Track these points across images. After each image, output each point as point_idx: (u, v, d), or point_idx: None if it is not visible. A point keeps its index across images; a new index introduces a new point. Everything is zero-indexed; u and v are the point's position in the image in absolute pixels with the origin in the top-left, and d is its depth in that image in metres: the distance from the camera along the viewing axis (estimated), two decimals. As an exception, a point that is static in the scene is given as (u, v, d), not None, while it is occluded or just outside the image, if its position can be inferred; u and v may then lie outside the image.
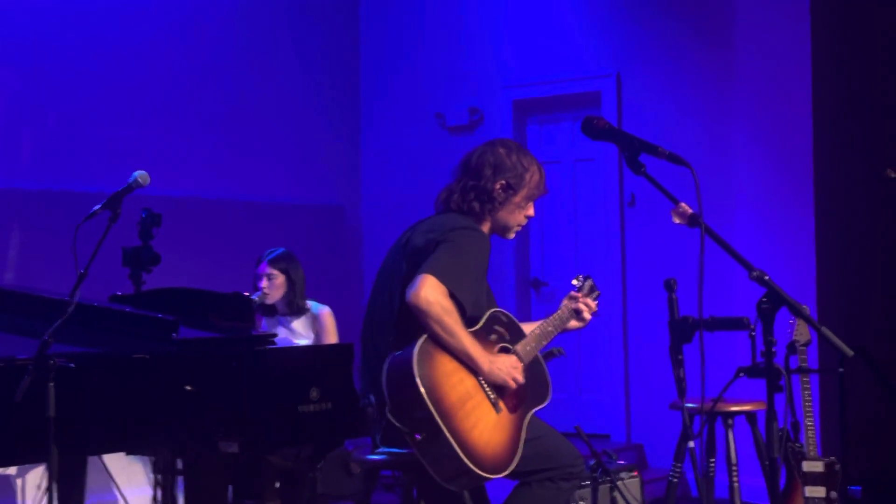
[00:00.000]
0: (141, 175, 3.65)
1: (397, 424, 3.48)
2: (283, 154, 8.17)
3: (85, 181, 6.67)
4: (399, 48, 8.66)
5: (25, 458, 3.72)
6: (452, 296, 3.59)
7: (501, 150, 3.96)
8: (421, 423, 3.44)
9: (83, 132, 6.92)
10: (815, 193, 6.79)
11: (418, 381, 3.44)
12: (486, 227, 3.94)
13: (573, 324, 4.09)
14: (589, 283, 4.17)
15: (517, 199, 3.94)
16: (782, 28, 6.93)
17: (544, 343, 3.95)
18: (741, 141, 7.11)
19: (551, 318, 4.03)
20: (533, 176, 3.96)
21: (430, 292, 3.53)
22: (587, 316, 4.09)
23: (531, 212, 4.02)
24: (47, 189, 6.67)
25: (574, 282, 4.16)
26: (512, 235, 4.05)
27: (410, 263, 3.72)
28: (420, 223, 3.94)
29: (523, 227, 4.08)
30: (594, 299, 4.15)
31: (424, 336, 3.55)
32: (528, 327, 4.00)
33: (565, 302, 4.10)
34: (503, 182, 3.90)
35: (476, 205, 3.89)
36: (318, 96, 8.46)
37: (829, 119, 6.87)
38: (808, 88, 6.79)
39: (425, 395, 3.43)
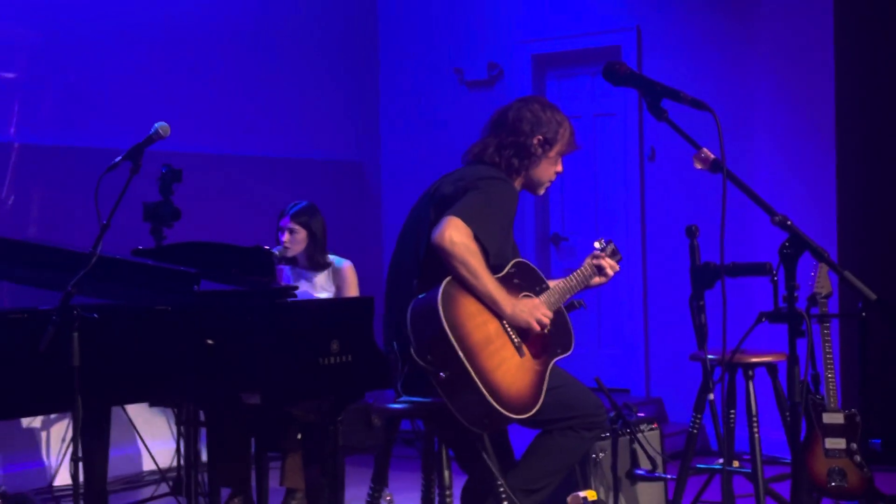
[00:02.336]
0: (162, 126, 3.65)
1: (422, 364, 3.50)
2: (303, 110, 8.16)
3: (106, 137, 6.68)
4: (417, 3, 8.61)
5: (51, 408, 3.76)
6: (477, 239, 3.61)
7: (537, 106, 4.01)
8: (445, 361, 3.47)
9: (104, 88, 6.93)
10: (837, 144, 6.76)
11: (443, 319, 3.47)
12: (518, 183, 3.96)
13: (596, 280, 4.14)
14: (611, 246, 4.24)
15: (552, 153, 4.00)
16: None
17: (567, 297, 3.99)
18: (763, 92, 7.07)
19: (574, 273, 4.08)
20: (566, 131, 4.02)
21: (455, 233, 3.56)
22: (610, 272, 4.15)
23: (560, 168, 4.08)
24: (69, 145, 6.68)
25: (596, 244, 4.22)
26: (542, 191, 4.12)
27: (438, 210, 3.74)
28: (449, 174, 3.95)
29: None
30: (616, 262, 4.19)
31: (449, 278, 3.57)
32: (551, 283, 4.02)
33: (588, 260, 4.14)
34: (540, 137, 3.95)
35: (515, 161, 3.93)
36: (336, 52, 8.44)
37: (851, 66, 6.82)
38: (830, 39, 6.74)
39: (450, 333, 3.46)
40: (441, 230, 3.57)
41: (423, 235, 3.78)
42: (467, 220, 3.60)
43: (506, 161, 3.92)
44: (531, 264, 3.94)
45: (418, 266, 3.77)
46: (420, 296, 3.61)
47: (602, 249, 4.18)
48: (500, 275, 3.73)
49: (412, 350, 3.52)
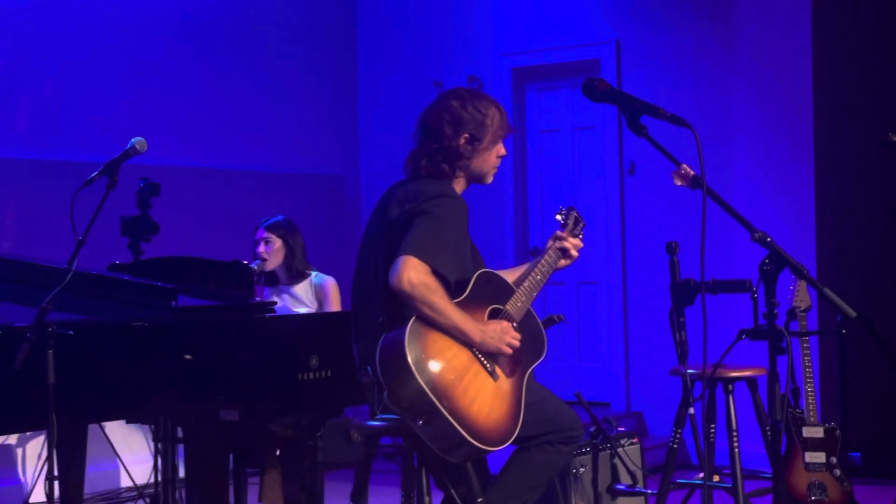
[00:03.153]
0: (138, 141, 3.63)
1: (395, 409, 3.45)
2: (281, 123, 8.15)
3: (82, 151, 6.65)
4: (397, 15, 8.61)
5: (25, 426, 3.73)
6: (436, 272, 3.54)
7: (455, 104, 3.86)
8: (419, 407, 3.41)
9: (80, 102, 6.90)
10: (816, 158, 6.78)
11: (412, 365, 3.40)
12: (460, 183, 3.86)
13: (562, 262, 4.01)
14: (573, 214, 4.07)
15: (483, 145, 3.84)
16: (782, -6, 6.90)
17: (535, 294, 3.87)
18: (741, 107, 7.09)
19: (539, 264, 3.94)
20: (494, 118, 3.86)
21: (413, 273, 3.48)
22: (574, 253, 4.00)
23: (503, 151, 3.92)
24: (44, 159, 6.65)
25: (557, 217, 4.07)
26: (490, 179, 3.95)
27: (389, 239, 3.67)
28: (396, 188, 3.87)
29: (499, 168, 3.98)
30: (580, 231, 4.06)
31: (414, 318, 3.50)
32: (513, 274, 3.94)
33: (550, 243, 4.02)
34: (466, 136, 3.82)
35: (445, 166, 3.81)
36: (316, 65, 8.43)
37: (828, 83, 6.84)
38: (808, 53, 6.77)
39: (420, 379, 3.39)
40: (398, 274, 3.49)
41: (380, 264, 3.70)
42: (422, 256, 3.51)
43: (437, 168, 3.81)
44: (493, 272, 3.85)
45: (381, 299, 3.69)
46: (388, 335, 3.53)
47: (563, 224, 4.03)
48: (464, 294, 3.66)
49: (385, 396, 3.47)
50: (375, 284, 3.73)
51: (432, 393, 3.41)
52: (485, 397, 3.56)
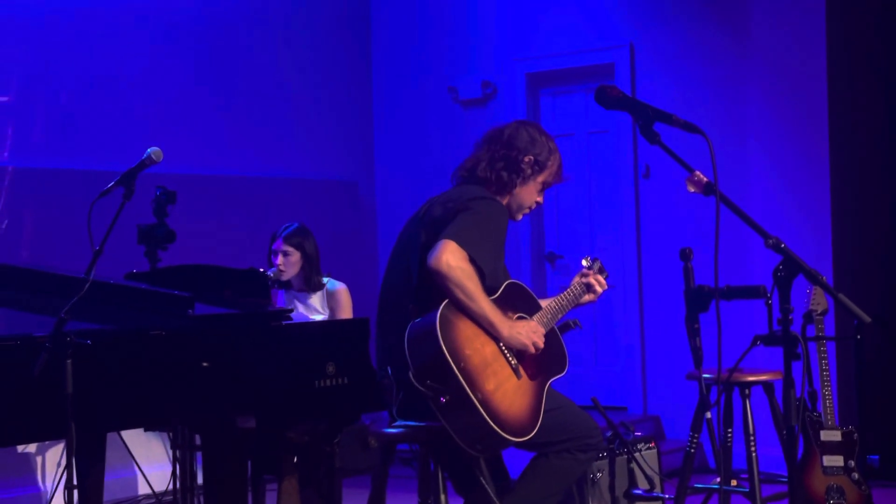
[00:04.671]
0: (154, 151, 3.64)
1: (420, 388, 3.49)
2: (297, 130, 8.17)
3: (99, 160, 6.68)
4: (411, 22, 8.63)
5: (44, 435, 3.73)
6: (473, 261, 3.61)
7: (534, 129, 4.04)
8: (445, 385, 3.47)
9: (96, 111, 6.93)
10: (831, 161, 6.76)
11: (441, 343, 3.47)
12: (504, 203, 3.96)
13: (586, 298, 4.14)
14: (598, 264, 4.24)
15: (540, 178, 4.00)
16: (797, -4, 6.89)
17: (559, 316, 4.00)
18: (756, 110, 7.08)
19: (564, 293, 4.08)
20: (556, 161, 4.05)
21: (451, 256, 3.56)
22: (598, 289, 4.14)
23: (541, 199, 4.09)
24: (61, 168, 6.68)
25: (584, 262, 4.23)
26: (520, 217, 4.10)
27: (429, 233, 3.74)
28: (437, 197, 3.96)
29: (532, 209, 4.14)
30: (603, 279, 4.20)
31: (446, 302, 3.57)
32: (542, 302, 4.02)
33: (577, 279, 4.15)
34: (532, 157, 3.96)
35: (504, 174, 3.93)
36: (330, 71, 8.45)
37: (844, 86, 6.83)
38: (823, 56, 6.76)
39: (448, 358, 3.46)
40: (437, 254, 3.57)
41: (414, 259, 3.78)
42: (462, 243, 3.60)
43: (496, 175, 3.92)
44: (523, 285, 3.95)
45: (412, 290, 3.76)
46: (417, 320, 3.60)
47: (589, 267, 4.18)
48: (495, 297, 3.73)
49: (410, 374, 3.51)
50: (407, 279, 3.79)
51: (459, 371, 3.46)
52: (507, 389, 3.61)
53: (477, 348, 3.59)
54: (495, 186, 3.93)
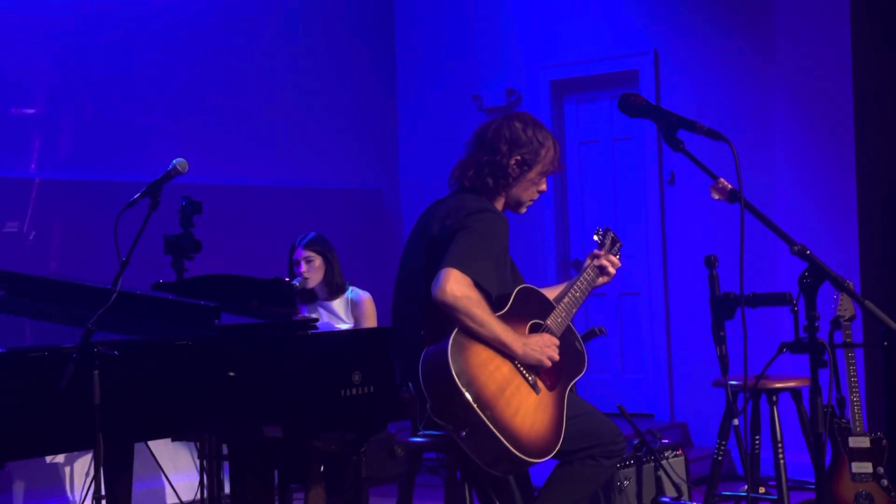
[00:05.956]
0: (180, 162, 3.66)
1: (439, 422, 3.47)
2: (322, 140, 8.19)
3: (125, 171, 6.72)
4: (435, 30, 8.64)
5: (73, 446, 3.76)
6: (477, 285, 3.57)
7: (517, 125, 3.88)
8: (464, 418, 3.43)
9: (123, 122, 6.97)
10: (857, 167, 6.72)
11: (455, 377, 3.42)
12: (499, 204, 3.90)
13: (601, 280, 4.03)
14: (610, 235, 4.10)
15: (532, 174, 3.88)
16: (821, 1, 6.85)
17: (574, 310, 3.90)
18: (781, 117, 7.05)
19: (578, 282, 3.96)
20: (548, 152, 3.89)
21: (455, 286, 3.51)
22: (612, 270, 4.02)
23: (544, 187, 3.96)
24: (87, 179, 6.72)
25: (595, 237, 4.09)
26: (524, 210, 3.99)
27: (430, 255, 3.69)
28: (436, 205, 3.90)
29: (536, 202, 4.03)
30: (616, 251, 4.09)
31: (456, 330, 3.52)
32: (552, 292, 3.95)
33: (588, 262, 4.04)
34: (518, 158, 3.84)
35: (490, 180, 3.83)
36: (354, 80, 8.47)
37: (870, 92, 6.79)
38: (848, 62, 6.72)
39: (465, 391, 3.41)
40: (441, 285, 3.52)
41: (420, 280, 3.73)
42: (464, 269, 3.54)
43: (481, 182, 3.84)
44: (534, 288, 3.87)
45: (421, 313, 3.72)
46: (430, 348, 3.55)
47: (601, 244, 4.06)
48: (505, 309, 3.68)
49: (428, 408, 3.49)
50: (416, 300, 3.75)
51: (476, 404, 3.43)
52: (527, 409, 3.57)
53: (492, 372, 3.54)
54: (486, 192, 3.85)
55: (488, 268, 3.62)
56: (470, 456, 3.48)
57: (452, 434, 3.46)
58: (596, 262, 4.03)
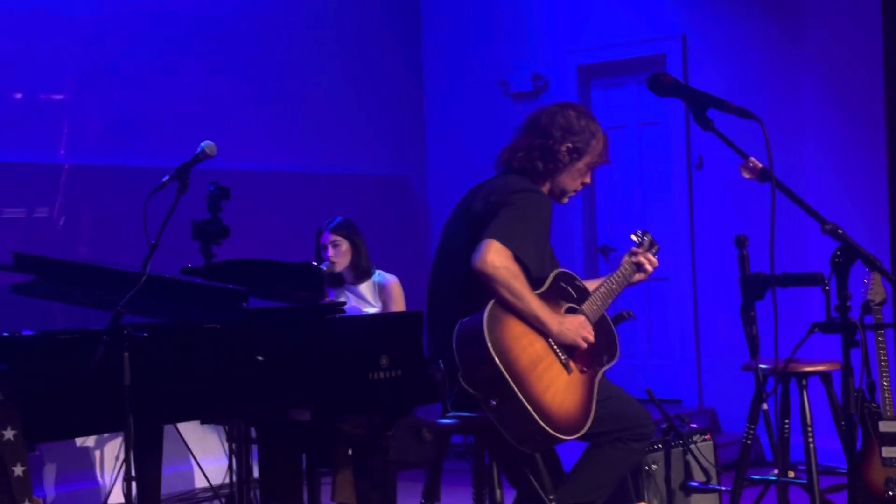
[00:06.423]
0: (208, 145, 3.66)
1: (471, 391, 3.48)
2: (348, 125, 8.19)
3: (153, 156, 6.74)
4: (461, 15, 8.62)
5: (103, 428, 3.79)
6: (517, 259, 3.58)
7: (571, 113, 3.94)
8: (494, 387, 3.44)
9: (151, 108, 6.99)
10: (888, 147, 6.67)
11: (490, 346, 3.44)
12: (545, 189, 3.92)
13: (637, 277, 4.08)
14: (648, 237, 4.16)
15: (580, 164, 3.93)
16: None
17: (610, 301, 3.93)
18: (810, 98, 7.00)
19: (614, 275, 4.02)
20: (599, 143, 3.94)
21: (496, 257, 3.53)
22: (649, 268, 4.07)
23: (588, 179, 4.01)
24: (116, 164, 6.75)
25: (633, 237, 4.15)
26: (566, 200, 4.03)
27: (472, 229, 3.71)
28: (480, 187, 3.92)
29: (578, 192, 4.08)
30: (654, 253, 4.13)
31: (493, 301, 3.54)
32: (591, 285, 3.98)
33: (626, 258, 4.08)
34: (569, 145, 3.89)
35: (540, 164, 3.87)
36: (381, 66, 8.46)
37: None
38: (879, 42, 6.67)
39: (497, 360, 3.43)
40: (481, 255, 3.54)
41: (459, 254, 3.75)
42: (506, 242, 3.57)
43: (531, 164, 3.87)
44: (572, 273, 3.90)
45: (459, 287, 3.74)
46: (465, 319, 3.58)
47: (639, 244, 4.11)
48: (542, 289, 3.70)
49: (460, 377, 3.50)
50: (454, 275, 3.77)
51: (508, 373, 3.44)
52: (558, 387, 3.58)
53: (525, 347, 3.56)
54: (533, 176, 3.88)
55: (529, 245, 3.65)
56: (499, 429, 3.48)
57: (482, 405, 3.47)
58: (633, 259, 4.06)
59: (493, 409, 3.46)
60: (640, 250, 4.08)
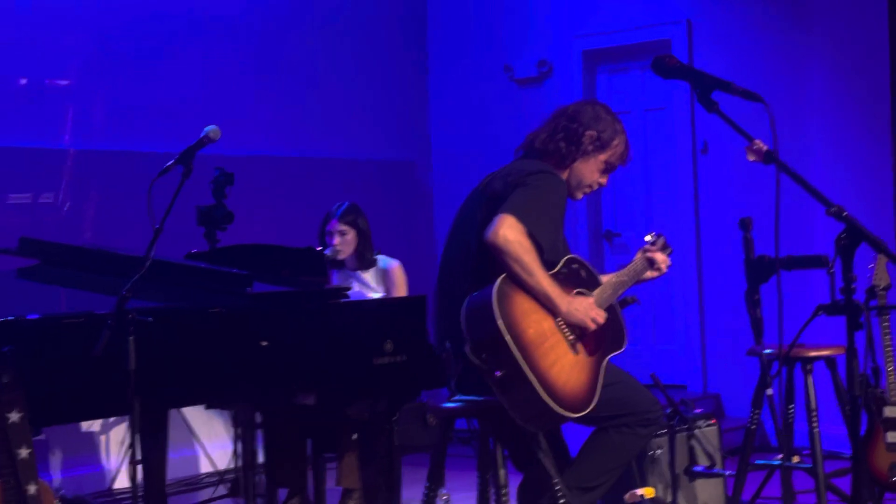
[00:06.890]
0: (212, 130, 3.65)
1: (476, 362, 3.49)
2: (353, 110, 8.18)
3: (158, 142, 6.74)
4: (466, 1, 8.60)
5: (108, 412, 3.79)
6: (531, 236, 3.59)
7: (600, 108, 4.01)
8: (500, 359, 3.45)
9: (156, 93, 6.99)
10: (893, 131, 6.66)
11: (498, 317, 3.45)
12: (563, 176, 3.93)
13: (648, 274, 4.09)
14: (662, 240, 4.19)
15: (602, 156, 3.95)
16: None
17: (620, 292, 3.95)
18: (816, 84, 6.98)
19: (626, 269, 4.04)
20: (620, 144, 3.99)
21: (510, 231, 3.55)
22: (662, 267, 4.09)
23: (604, 180, 4.04)
24: (120, 150, 6.75)
25: (647, 238, 4.18)
26: (580, 195, 4.05)
27: (488, 208, 3.73)
28: (498, 170, 3.94)
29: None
30: (667, 255, 4.15)
31: (503, 275, 3.55)
32: (602, 277, 3.99)
33: (639, 254, 4.10)
34: (594, 133, 3.92)
35: (563, 145, 3.90)
36: (385, 51, 8.45)
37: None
38: (885, 28, 6.65)
39: (504, 332, 3.44)
40: (494, 228, 3.56)
41: (472, 234, 3.77)
42: (520, 217, 3.58)
43: (555, 146, 3.90)
44: (584, 260, 3.92)
45: (470, 264, 3.75)
46: (474, 293, 3.59)
47: (653, 243, 4.13)
48: (554, 271, 3.71)
49: (466, 348, 3.51)
50: (466, 254, 3.78)
51: (515, 345, 3.44)
52: (563, 365, 3.59)
53: (533, 322, 3.57)
54: (554, 159, 3.90)
55: (544, 223, 3.67)
56: (503, 410, 3.48)
57: (486, 378, 3.47)
58: (647, 255, 4.09)
59: (497, 382, 3.47)
60: (653, 248, 4.10)
